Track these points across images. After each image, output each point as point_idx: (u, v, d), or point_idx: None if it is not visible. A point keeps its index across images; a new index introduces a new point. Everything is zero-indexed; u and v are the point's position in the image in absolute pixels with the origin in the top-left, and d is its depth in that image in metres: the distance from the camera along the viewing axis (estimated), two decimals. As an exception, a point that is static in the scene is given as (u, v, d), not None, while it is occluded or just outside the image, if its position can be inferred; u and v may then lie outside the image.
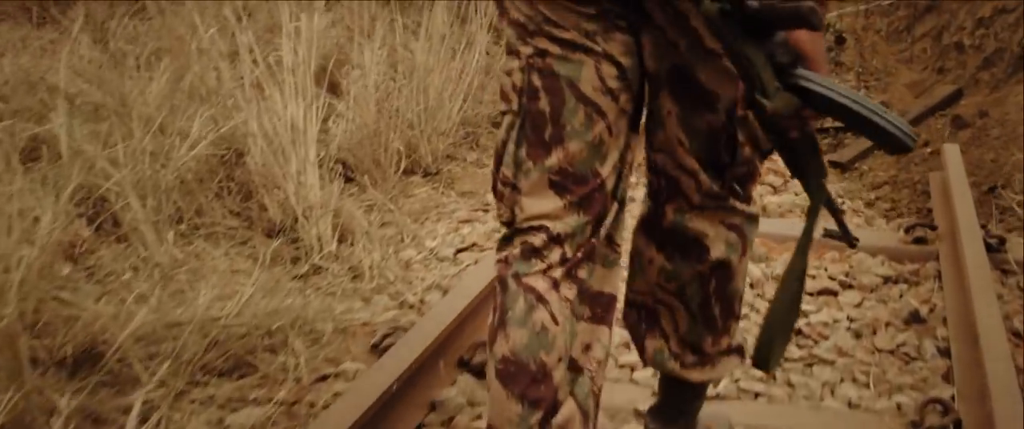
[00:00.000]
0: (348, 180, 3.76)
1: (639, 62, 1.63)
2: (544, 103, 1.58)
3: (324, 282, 3.05)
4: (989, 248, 3.33)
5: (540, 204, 1.63)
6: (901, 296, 3.15)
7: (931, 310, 3.02)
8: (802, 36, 1.46)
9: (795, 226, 3.52)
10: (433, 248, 3.33)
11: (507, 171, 1.64)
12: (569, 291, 1.66)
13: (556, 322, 1.64)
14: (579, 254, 1.67)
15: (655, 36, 1.62)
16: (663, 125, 1.73)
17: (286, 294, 2.91)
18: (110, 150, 3.12)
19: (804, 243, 1.61)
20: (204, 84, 3.59)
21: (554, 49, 1.56)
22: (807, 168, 1.58)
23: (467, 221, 3.55)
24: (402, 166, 3.90)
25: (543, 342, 1.62)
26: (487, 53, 4.86)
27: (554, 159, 1.60)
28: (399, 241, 3.40)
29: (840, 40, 9.95)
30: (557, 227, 1.63)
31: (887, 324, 2.93)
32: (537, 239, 1.64)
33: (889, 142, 1.42)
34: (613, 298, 1.79)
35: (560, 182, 1.62)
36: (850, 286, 3.18)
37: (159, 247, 3.01)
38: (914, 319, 2.94)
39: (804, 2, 1.36)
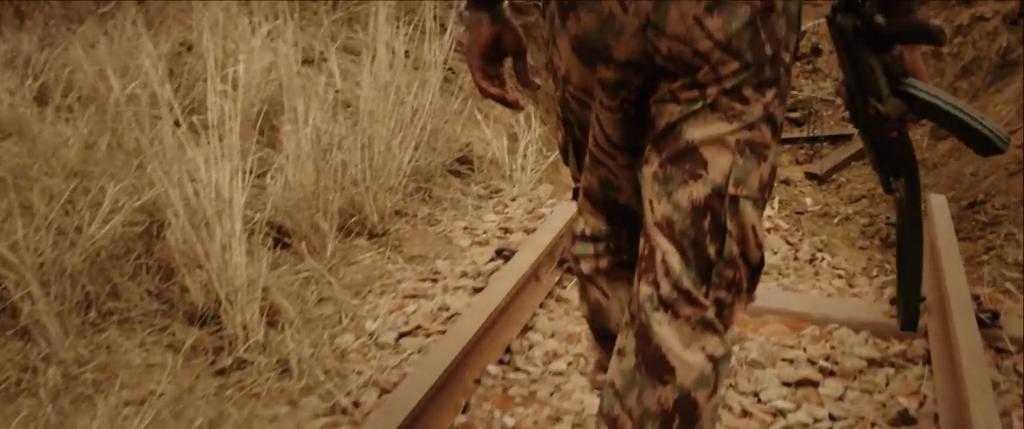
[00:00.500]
0: (284, 246, 3.43)
1: (631, 117, 1.69)
2: (579, 135, 1.81)
3: (249, 379, 2.72)
4: (981, 324, 3.05)
5: (587, 206, 1.87)
6: (888, 384, 2.86)
7: (921, 405, 2.73)
8: (912, 51, 1.70)
9: (768, 295, 3.24)
10: (373, 332, 3.01)
11: (572, 171, 1.93)
12: (610, 271, 1.88)
13: (606, 296, 1.90)
14: (613, 252, 1.87)
15: (659, 92, 1.61)
16: (642, 179, 1.68)
17: (203, 396, 2.60)
18: (7, 231, 2.78)
19: (914, 201, 1.80)
20: (122, 146, 3.23)
21: (572, 102, 1.78)
22: (900, 162, 1.80)
23: (413, 296, 3.23)
24: (345, 227, 3.58)
25: (597, 314, 1.94)
26: (440, 94, 4.51)
27: (585, 182, 1.84)
28: (337, 322, 3.07)
29: (816, 50, 9.71)
30: (598, 231, 1.88)
31: (873, 425, 2.64)
32: (584, 232, 1.89)
33: (983, 143, 1.64)
34: None
35: (594, 197, 1.84)
36: (832, 373, 2.89)
37: (64, 341, 2.69)
38: (903, 420, 2.65)
39: (931, 22, 1.66)
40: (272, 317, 2.95)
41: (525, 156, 4.53)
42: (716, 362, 1.60)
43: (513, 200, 4.14)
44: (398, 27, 4.31)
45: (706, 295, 1.60)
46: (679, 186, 1.58)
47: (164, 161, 3.08)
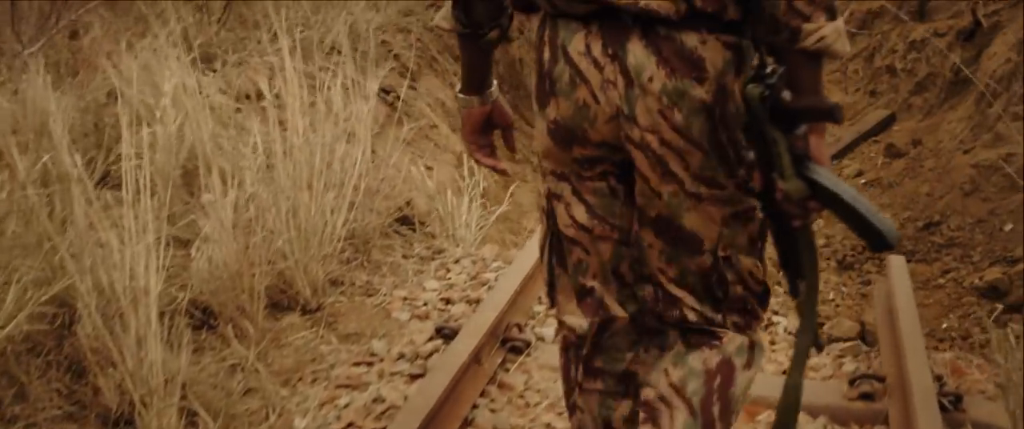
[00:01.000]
0: (210, 328, 3.21)
1: (615, 193, 1.91)
2: (557, 227, 1.98)
3: (165, 493, 2.53)
4: (944, 409, 2.92)
5: (567, 305, 2.03)
6: (847, 478, 2.72)
7: (882, 505, 2.59)
8: (817, 137, 1.72)
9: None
10: (302, 431, 2.81)
11: (545, 273, 2.06)
12: (592, 383, 2.05)
13: (581, 410, 2.07)
14: (593, 349, 2.03)
15: (642, 184, 1.85)
16: (645, 255, 1.94)
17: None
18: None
19: (803, 348, 1.87)
20: (31, 228, 2.99)
21: (549, 174, 1.94)
22: (803, 261, 1.80)
23: (347, 385, 3.03)
24: (275, 303, 3.36)
25: (581, 422, 2.08)
26: (374, 150, 4.30)
27: (560, 278, 2.02)
28: (263, 419, 2.87)
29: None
30: (578, 327, 2.02)
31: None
32: (569, 336, 2.06)
33: (877, 239, 1.68)
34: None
35: (579, 290, 2.00)
36: (789, 468, 2.73)
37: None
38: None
39: (828, 100, 1.71)
40: (192, 418, 2.74)
41: (470, 210, 4.32)
42: (751, 344, 1.98)
43: (456, 262, 3.94)
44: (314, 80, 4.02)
45: (723, 321, 1.95)
46: (685, 257, 1.89)
47: (76, 243, 2.86)
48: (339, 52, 5.53)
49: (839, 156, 8.43)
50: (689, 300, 1.92)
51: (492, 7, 1.96)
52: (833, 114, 1.66)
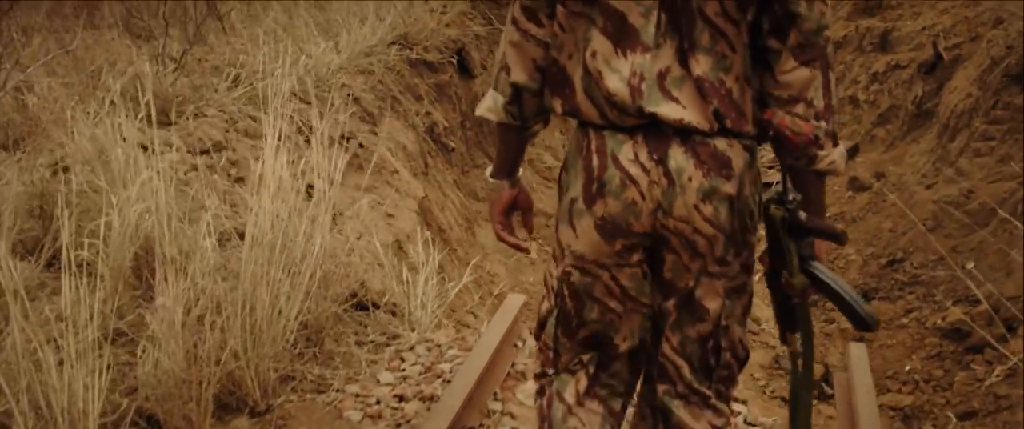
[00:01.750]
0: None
1: (646, 275, 2.22)
2: (569, 305, 2.27)
3: None
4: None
5: (570, 351, 2.34)
6: None
7: None
8: (819, 242, 2.16)
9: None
10: None
11: (548, 341, 2.35)
12: (594, 405, 2.34)
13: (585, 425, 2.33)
14: (591, 375, 2.35)
15: (674, 260, 2.17)
16: (660, 325, 2.27)
17: None
18: None
19: (808, 362, 2.22)
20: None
21: (575, 272, 2.23)
22: (799, 324, 2.20)
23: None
24: (224, 405, 3.20)
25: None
26: (337, 230, 4.19)
27: (580, 336, 2.31)
28: None
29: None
30: (580, 360, 2.34)
31: None
32: (567, 366, 2.36)
33: (859, 321, 2.09)
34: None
35: (583, 338, 2.31)
36: None
37: None
38: None
39: (836, 225, 2.22)
40: None
41: (425, 290, 4.20)
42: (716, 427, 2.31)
43: (411, 349, 3.81)
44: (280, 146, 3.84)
45: (709, 387, 2.28)
46: (688, 325, 2.23)
47: (12, 362, 2.71)
48: (299, 98, 5.47)
49: (803, 188, 8.45)
50: (685, 369, 2.26)
51: (541, 104, 2.27)
52: (839, 238, 2.10)
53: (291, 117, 5.11)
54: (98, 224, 3.00)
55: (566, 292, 2.26)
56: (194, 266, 3.08)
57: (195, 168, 4.23)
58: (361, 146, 5.44)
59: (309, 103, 5.30)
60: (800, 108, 2.08)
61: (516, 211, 2.42)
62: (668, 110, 2.07)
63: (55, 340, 2.66)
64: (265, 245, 3.22)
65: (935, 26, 8.68)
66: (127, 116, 4.02)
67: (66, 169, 3.33)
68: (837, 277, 2.11)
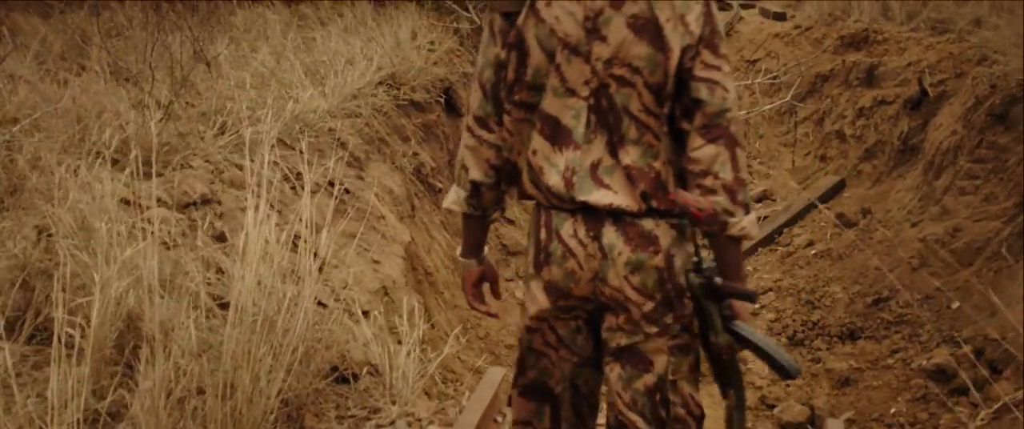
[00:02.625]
0: None
1: (580, 329, 2.60)
2: (521, 357, 2.65)
3: None
4: None
5: (520, 405, 2.71)
6: None
7: None
8: (737, 303, 2.45)
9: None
10: None
11: (514, 413, 2.73)
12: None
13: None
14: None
15: (612, 320, 2.51)
16: (609, 382, 2.56)
17: None
18: None
19: (741, 414, 2.47)
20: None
21: (525, 332, 2.61)
22: (731, 379, 2.45)
23: None
24: None
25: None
26: (321, 303, 4.13)
27: (521, 385, 2.67)
28: None
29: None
30: (530, 416, 2.71)
31: None
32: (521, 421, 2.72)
33: (782, 371, 2.35)
34: None
35: (528, 392, 2.68)
36: None
37: None
38: None
39: (748, 288, 2.43)
40: None
41: (408, 359, 4.14)
42: None
43: (392, 424, 3.77)
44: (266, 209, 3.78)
45: None
46: (636, 379, 2.51)
47: None
48: (288, 145, 5.48)
49: (790, 224, 8.48)
50: (639, 423, 2.51)
51: (497, 195, 2.66)
52: (751, 297, 2.39)
53: (277, 164, 5.13)
54: (82, 302, 2.97)
55: (521, 348, 2.65)
56: (175, 346, 3.04)
57: (182, 232, 4.22)
58: (347, 192, 5.45)
59: (295, 149, 5.32)
60: (709, 181, 2.38)
61: (485, 283, 2.77)
62: (599, 197, 2.45)
63: (36, 421, 2.65)
64: (247, 323, 3.20)
65: (921, 62, 8.73)
66: (113, 171, 4.02)
67: (50, 235, 3.33)
68: (757, 333, 2.43)
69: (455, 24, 8.33)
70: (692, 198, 2.38)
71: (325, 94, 6.05)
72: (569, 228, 2.48)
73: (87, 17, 6.78)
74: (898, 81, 8.91)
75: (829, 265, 7.65)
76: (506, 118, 2.54)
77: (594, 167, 2.45)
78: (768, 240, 8.30)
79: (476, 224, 2.70)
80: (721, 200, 2.36)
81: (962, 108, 7.76)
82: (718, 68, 2.40)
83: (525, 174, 2.55)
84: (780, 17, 12.97)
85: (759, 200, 9.19)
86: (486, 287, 2.78)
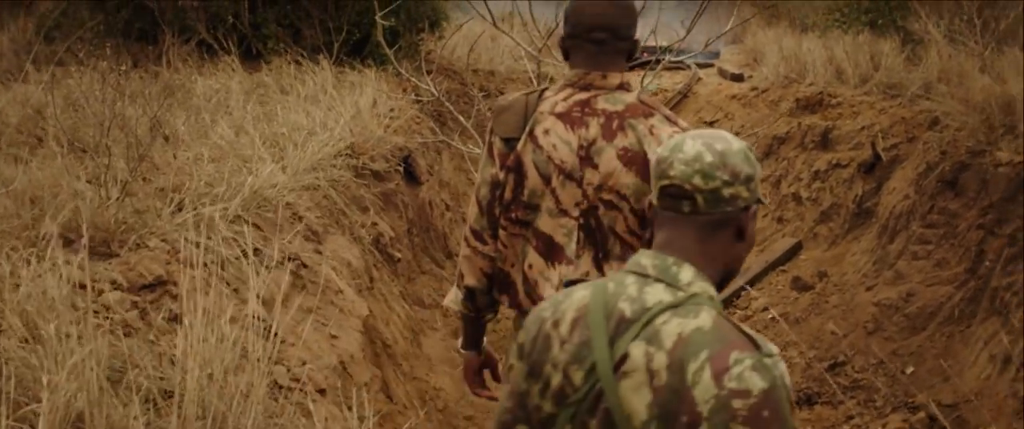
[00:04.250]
0: None
1: None
2: None
3: None
4: None
5: None
6: None
7: None
8: None
9: None
10: None
11: None
12: None
13: None
14: None
15: None
16: None
17: None
18: None
19: None
20: None
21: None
22: None
23: None
24: None
25: None
26: (276, 385, 4.13)
27: None
28: None
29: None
30: None
31: None
32: None
33: None
34: None
35: None
36: None
37: None
38: None
39: None
40: None
41: None
42: None
43: None
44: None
45: None
46: None
47: None
48: (246, 221, 5.50)
49: (748, 287, 8.57)
50: None
51: (491, 300, 2.88)
52: None
53: (234, 240, 5.14)
54: (28, 411, 2.95)
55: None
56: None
57: (140, 314, 4.22)
58: (305, 266, 5.47)
59: (253, 225, 5.33)
60: None
61: (486, 369, 3.05)
62: None
63: None
64: (196, 423, 3.18)
65: (874, 126, 8.89)
66: (67, 251, 4.01)
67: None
68: None
69: (416, 95, 8.41)
70: None
71: (284, 168, 6.08)
72: None
73: (45, 89, 6.80)
74: (852, 144, 9.06)
75: (786, 329, 7.72)
76: (501, 232, 2.76)
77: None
78: (727, 304, 8.37)
79: (473, 323, 2.98)
80: None
81: (914, 173, 7.90)
82: None
83: (520, 286, 2.75)
84: (737, 78, 13.16)
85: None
86: (487, 373, 3.06)
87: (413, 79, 7.63)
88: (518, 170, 2.72)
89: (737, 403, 1.67)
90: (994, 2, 9.68)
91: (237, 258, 5.01)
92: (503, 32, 7.08)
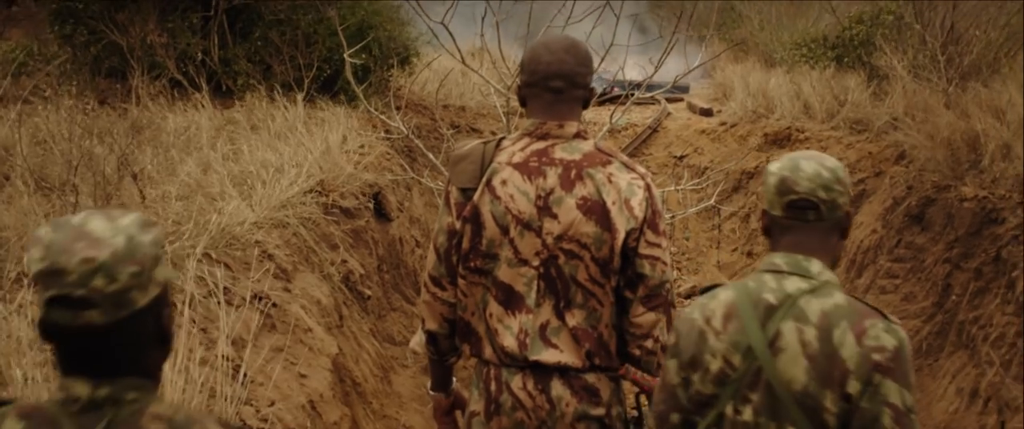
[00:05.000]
0: None
1: None
2: None
3: None
4: None
5: None
6: None
7: None
8: None
9: None
10: None
11: None
12: None
13: None
14: None
15: None
16: None
17: None
18: None
19: None
20: None
21: None
22: None
23: None
24: None
25: None
26: (247, 395, 4.16)
27: None
28: None
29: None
30: None
31: None
32: None
33: None
34: None
35: None
36: None
37: None
38: None
39: None
40: None
41: None
42: None
43: None
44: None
45: None
46: None
47: None
48: (214, 259, 5.47)
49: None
50: None
51: (453, 344, 2.93)
52: None
53: (202, 279, 5.11)
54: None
55: None
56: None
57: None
58: (274, 305, 5.44)
59: (222, 264, 5.30)
60: (649, 343, 2.73)
61: (457, 410, 3.07)
62: (548, 355, 2.71)
63: None
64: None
65: (841, 160, 8.95)
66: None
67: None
68: None
69: (386, 131, 8.41)
70: (640, 376, 2.75)
71: (252, 206, 6.06)
72: (519, 382, 2.73)
73: (12, 127, 6.75)
74: (820, 179, 9.11)
75: (757, 365, 7.73)
76: (460, 281, 2.79)
77: (543, 328, 2.71)
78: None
79: (438, 365, 3.01)
80: (658, 360, 2.75)
81: (881, 207, 7.97)
82: (659, 245, 2.69)
83: (483, 335, 2.79)
84: (706, 113, 13.27)
85: (688, 296, 9.30)
86: (457, 413, 3.10)
87: (382, 117, 7.64)
88: (475, 220, 2.73)
89: (876, 356, 2.12)
90: (958, 38, 9.81)
91: (206, 297, 4.98)
92: (472, 70, 7.11)
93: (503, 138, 2.80)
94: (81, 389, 1.59)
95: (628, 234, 2.64)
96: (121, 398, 1.60)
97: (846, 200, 2.30)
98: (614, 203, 2.64)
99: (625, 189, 2.65)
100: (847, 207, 2.32)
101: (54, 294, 1.54)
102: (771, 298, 2.22)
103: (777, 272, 2.27)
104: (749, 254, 9.59)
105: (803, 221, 2.27)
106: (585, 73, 2.72)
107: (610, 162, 2.70)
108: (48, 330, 1.57)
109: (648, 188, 2.68)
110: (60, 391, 1.60)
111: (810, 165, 2.26)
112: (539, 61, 2.69)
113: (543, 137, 2.71)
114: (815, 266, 2.26)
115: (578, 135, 2.72)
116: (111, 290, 1.55)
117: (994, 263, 6.33)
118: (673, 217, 8.62)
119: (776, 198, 2.30)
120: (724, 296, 2.31)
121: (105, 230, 1.56)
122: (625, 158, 2.76)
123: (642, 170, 2.73)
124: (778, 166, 2.31)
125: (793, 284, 2.23)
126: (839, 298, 2.21)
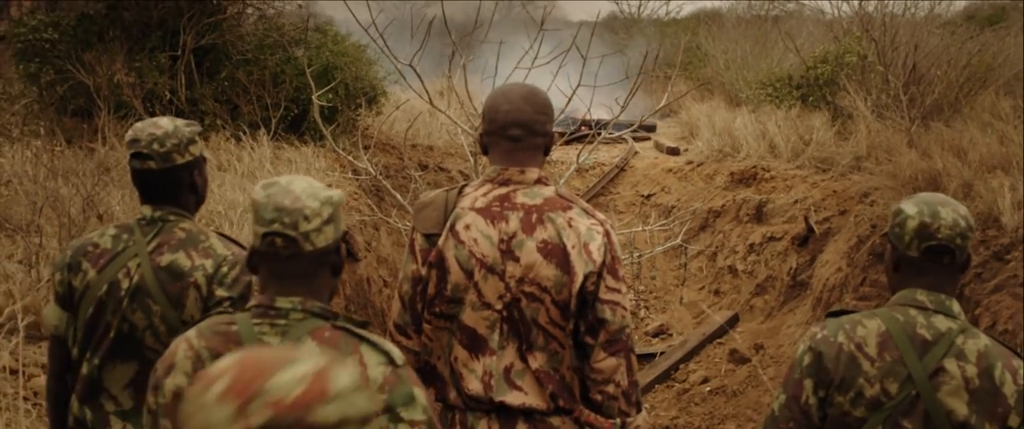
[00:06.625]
0: None
1: None
2: None
3: None
4: None
5: None
6: None
7: None
8: None
9: None
10: None
11: None
12: None
13: None
14: None
15: None
16: None
17: None
18: None
19: None
20: None
21: None
22: None
23: None
24: None
25: None
26: None
27: None
28: None
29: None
30: None
31: None
32: None
33: None
34: None
35: None
36: None
37: None
38: None
39: None
40: None
41: None
42: None
43: None
44: None
45: None
46: None
47: None
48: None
49: (686, 360, 8.62)
50: None
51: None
52: None
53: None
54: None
55: None
56: None
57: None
58: (241, 346, 5.39)
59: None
60: (610, 388, 2.78)
61: None
62: (513, 398, 2.73)
63: None
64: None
65: (806, 199, 9.05)
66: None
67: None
68: None
69: (354, 171, 8.41)
70: (594, 417, 2.78)
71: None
72: (484, 426, 2.76)
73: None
74: (786, 218, 9.21)
75: (723, 402, 7.76)
76: (425, 326, 2.82)
77: (507, 371, 2.74)
78: (664, 377, 8.40)
79: None
80: (618, 405, 2.80)
81: (846, 246, 8.04)
82: (618, 290, 2.74)
83: (449, 379, 2.81)
84: (673, 152, 13.36)
85: (656, 335, 9.32)
86: None
87: (350, 158, 7.64)
88: (440, 265, 2.76)
89: None
90: (920, 78, 9.97)
91: (171, 339, 4.94)
92: (439, 110, 7.14)
93: (465, 185, 2.85)
94: (146, 210, 2.73)
95: (586, 277, 2.69)
96: (166, 218, 2.72)
97: (970, 245, 2.51)
98: (573, 247, 2.69)
99: (585, 234, 2.70)
100: (969, 251, 2.52)
101: (132, 152, 2.68)
102: (926, 334, 2.42)
103: (922, 308, 2.46)
104: (716, 292, 9.63)
105: (938, 263, 2.47)
106: (544, 120, 2.77)
107: (570, 207, 2.75)
108: (132, 173, 2.72)
109: (607, 234, 2.73)
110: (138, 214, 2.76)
111: (949, 213, 2.45)
112: (498, 110, 2.75)
113: (505, 183, 2.77)
114: (955, 307, 2.48)
115: (539, 181, 2.78)
116: (161, 151, 2.68)
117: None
118: (640, 256, 8.66)
119: (915, 241, 2.47)
120: (872, 325, 2.46)
121: (167, 123, 2.71)
122: (585, 204, 2.81)
123: (602, 217, 2.78)
124: (916, 210, 2.48)
125: (942, 322, 2.45)
126: (985, 339, 2.44)
